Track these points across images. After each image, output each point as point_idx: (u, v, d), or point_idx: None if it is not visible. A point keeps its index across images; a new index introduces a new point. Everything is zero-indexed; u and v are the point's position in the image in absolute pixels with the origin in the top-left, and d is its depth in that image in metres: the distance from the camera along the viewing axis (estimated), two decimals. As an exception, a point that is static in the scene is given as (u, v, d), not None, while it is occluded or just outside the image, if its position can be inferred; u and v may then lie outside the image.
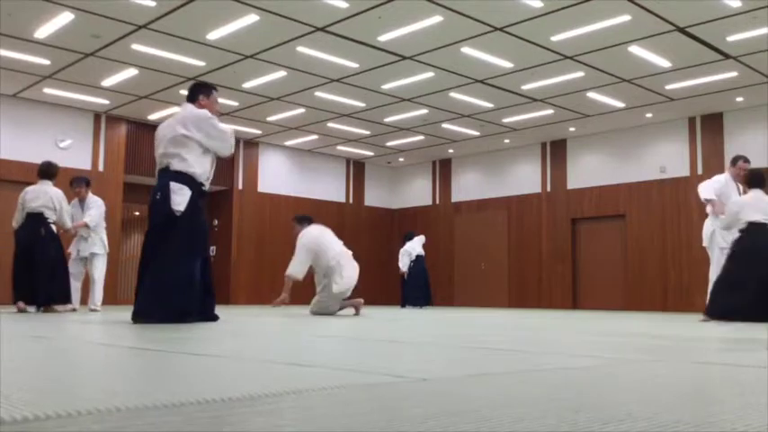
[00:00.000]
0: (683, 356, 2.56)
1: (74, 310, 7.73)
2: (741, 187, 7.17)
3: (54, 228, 7.59)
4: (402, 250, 13.67)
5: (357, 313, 7.38)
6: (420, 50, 9.56)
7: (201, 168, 4.78)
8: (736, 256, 6.70)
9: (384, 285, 15.86)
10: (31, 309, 7.36)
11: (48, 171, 7.77)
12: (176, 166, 4.70)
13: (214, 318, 4.89)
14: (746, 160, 7.36)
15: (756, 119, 11.99)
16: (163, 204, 4.63)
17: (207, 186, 4.88)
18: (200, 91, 5.08)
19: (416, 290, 13.28)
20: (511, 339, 3.49)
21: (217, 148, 4.87)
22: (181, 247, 4.64)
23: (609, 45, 9.21)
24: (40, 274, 7.28)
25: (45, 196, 7.52)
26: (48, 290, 7.37)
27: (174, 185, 4.64)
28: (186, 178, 4.70)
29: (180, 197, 4.63)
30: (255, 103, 12.15)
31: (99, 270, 8.13)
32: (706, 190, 7.18)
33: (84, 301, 8.25)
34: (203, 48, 9.48)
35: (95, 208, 8.10)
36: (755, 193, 6.82)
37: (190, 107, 4.92)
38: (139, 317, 4.48)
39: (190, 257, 4.70)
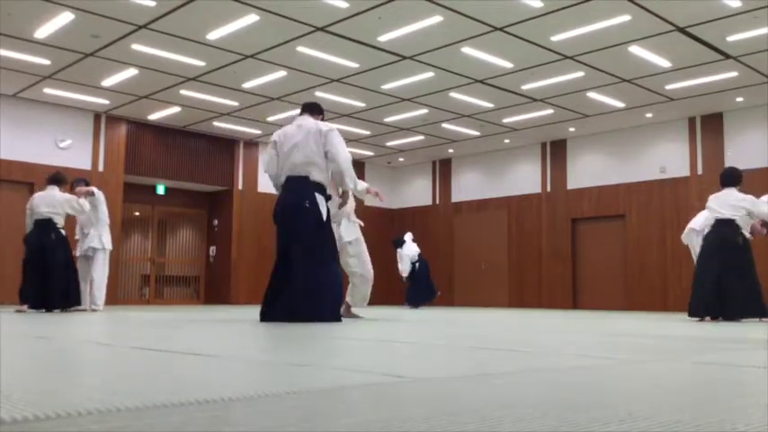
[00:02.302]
0: (683, 356, 2.56)
1: (84, 310, 7.84)
2: None
3: (63, 232, 7.69)
4: (402, 255, 13.60)
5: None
6: (420, 50, 9.56)
7: (327, 183, 5.16)
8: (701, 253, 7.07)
9: (384, 285, 15.81)
10: (32, 311, 7.41)
11: (57, 179, 7.89)
12: (316, 176, 5.03)
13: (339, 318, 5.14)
14: None
15: (756, 119, 11.99)
16: (313, 211, 4.94)
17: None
18: (320, 111, 5.43)
19: (425, 287, 13.46)
20: (511, 339, 3.49)
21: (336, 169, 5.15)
22: (330, 250, 5.04)
23: (609, 45, 9.21)
24: (54, 279, 7.43)
25: (52, 202, 7.65)
26: (62, 294, 7.52)
27: (318, 196, 5.00)
28: (322, 189, 5.06)
29: (323, 207, 5.01)
30: (255, 103, 12.15)
31: (98, 269, 8.16)
32: None
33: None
34: (203, 48, 9.48)
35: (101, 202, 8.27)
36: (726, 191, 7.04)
37: (320, 122, 5.22)
38: (301, 317, 4.67)
39: (335, 260, 5.16)
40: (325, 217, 4.99)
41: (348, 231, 6.18)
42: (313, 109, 5.39)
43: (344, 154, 5.09)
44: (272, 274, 4.98)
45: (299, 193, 4.98)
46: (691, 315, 6.85)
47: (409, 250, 13.62)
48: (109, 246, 8.29)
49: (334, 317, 4.89)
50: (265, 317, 4.82)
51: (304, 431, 0.96)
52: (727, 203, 6.88)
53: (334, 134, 5.08)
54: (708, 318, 6.64)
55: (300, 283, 4.78)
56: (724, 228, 6.82)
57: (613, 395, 1.47)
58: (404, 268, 13.56)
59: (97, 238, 8.17)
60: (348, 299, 6.19)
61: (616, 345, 3.14)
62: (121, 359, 2.25)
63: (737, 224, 6.80)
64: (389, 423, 1.02)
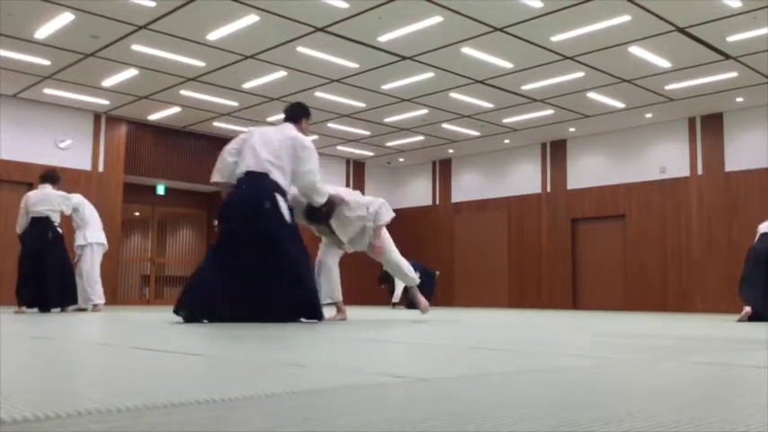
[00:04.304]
0: (683, 356, 2.56)
1: (84, 309, 7.88)
2: None
3: (60, 230, 7.69)
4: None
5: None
6: (420, 50, 9.56)
7: (288, 189, 5.01)
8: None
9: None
10: (33, 310, 7.41)
11: (51, 176, 7.89)
12: (276, 177, 4.85)
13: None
14: None
15: (756, 119, 11.99)
16: (275, 213, 4.77)
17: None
18: (304, 114, 5.30)
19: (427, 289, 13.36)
20: (511, 339, 3.49)
21: (300, 183, 5.06)
22: (300, 250, 4.89)
23: (609, 45, 9.21)
24: (51, 278, 7.41)
25: (48, 199, 7.64)
26: (58, 293, 7.50)
27: (278, 197, 4.81)
28: (282, 191, 4.88)
29: (285, 208, 4.84)
30: (255, 103, 12.15)
31: (86, 264, 8.21)
32: None
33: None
34: (203, 48, 9.48)
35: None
36: None
37: (301, 135, 5.08)
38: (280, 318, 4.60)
39: (307, 259, 5.02)
40: (288, 219, 4.84)
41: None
42: (295, 116, 5.26)
43: (313, 173, 5.02)
44: (221, 270, 4.67)
45: (257, 192, 4.77)
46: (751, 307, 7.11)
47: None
48: (95, 239, 8.29)
49: (315, 316, 4.80)
50: (206, 315, 4.52)
51: (304, 431, 0.96)
52: None
53: (311, 150, 5.02)
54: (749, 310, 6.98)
55: (268, 284, 4.60)
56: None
57: (613, 395, 1.47)
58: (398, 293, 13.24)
59: (81, 237, 8.23)
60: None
61: (616, 345, 3.13)
62: (121, 359, 2.25)
63: None
64: (389, 423, 1.02)
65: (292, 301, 4.71)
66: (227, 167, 5.03)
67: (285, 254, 4.72)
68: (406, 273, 5.97)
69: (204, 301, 4.58)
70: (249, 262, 4.63)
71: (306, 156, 4.95)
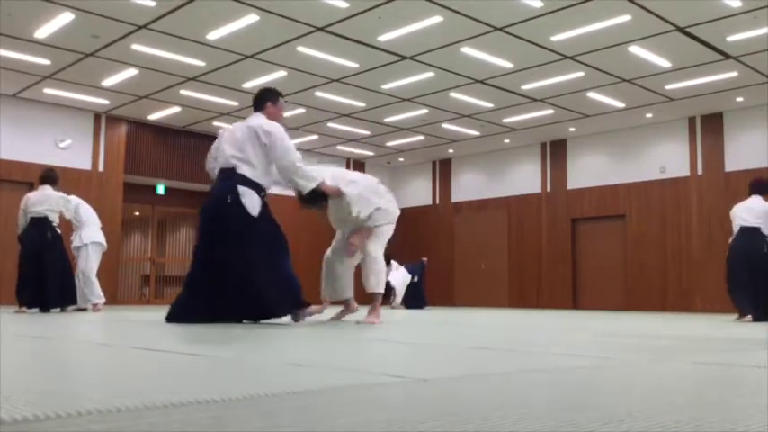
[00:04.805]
0: (683, 356, 2.56)
1: (84, 309, 7.88)
2: None
3: (59, 230, 7.70)
4: (399, 281, 13.12)
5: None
6: (420, 50, 9.56)
7: (266, 179, 4.75)
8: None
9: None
10: (33, 310, 7.41)
11: (50, 177, 7.87)
12: (244, 171, 4.65)
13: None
14: None
15: (756, 119, 11.99)
16: (237, 207, 4.57)
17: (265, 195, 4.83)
18: (268, 98, 4.97)
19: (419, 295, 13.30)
20: (511, 339, 3.49)
21: (280, 170, 4.77)
22: (276, 247, 4.67)
23: (609, 45, 9.21)
24: (51, 278, 7.43)
25: (48, 200, 7.64)
26: (58, 293, 7.53)
27: (241, 189, 4.60)
28: (251, 183, 4.65)
29: (250, 201, 4.60)
30: (255, 103, 12.14)
31: (82, 264, 8.20)
32: None
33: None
34: (203, 48, 9.48)
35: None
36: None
37: (265, 122, 4.78)
38: (268, 315, 4.54)
39: (286, 256, 4.74)
40: (254, 212, 4.59)
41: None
42: (259, 103, 4.96)
43: (288, 154, 4.66)
44: (200, 272, 4.65)
45: (222, 188, 4.68)
46: (743, 315, 7.00)
47: (404, 275, 13.17)
48: (90, 239, 8.27)
49: (293, 306, 4.64)
50: (188, 318, 4.47)
51: (304, 431, 0.96)
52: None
53: (276, 134, 4.67)
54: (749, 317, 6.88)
55: (236, 282, 4.51)
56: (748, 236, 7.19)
57: (613, 395, 1.47)
58: (399, 294, 13.07)
59: (78, 238, 8.24)
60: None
61: (616, 345, 3.13)
62: (121, 359, 2.25)
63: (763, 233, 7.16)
64: (389, 423, 1.02)
65: (248, 300, 4.55)
66: (211, 173, 4.98)
67: (241, 251, 4.57)
68: (375, 275, 5.12)
69: (180, 302, 4.64)
70: (215, 261, 4.59)
71: (271, 141, 4.65)
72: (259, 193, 4.67)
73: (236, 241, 4.57)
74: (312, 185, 4.75)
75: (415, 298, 13.19)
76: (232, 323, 4.41)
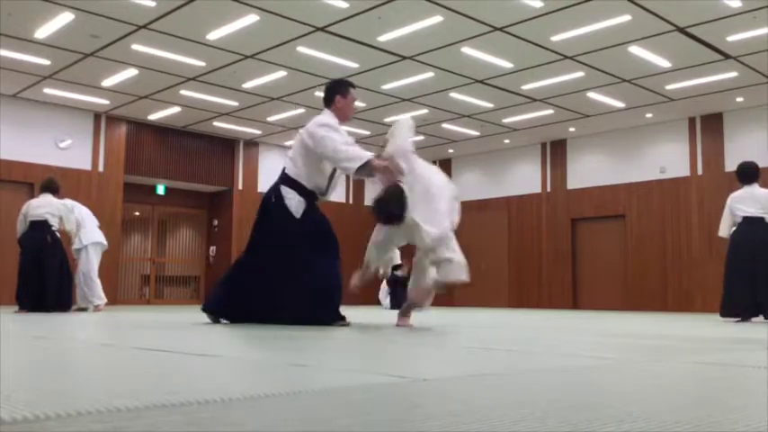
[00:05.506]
0: (683, 356, 2.56)
1: (85, 309, 7.91)
2: None
3: (58, 234, 7.73)
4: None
5: None
6: (420, 50, 9.56)
7: (312, 180, 4.58)
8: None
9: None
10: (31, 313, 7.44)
11: (51, 186, 7.91)
12: (289, 171, 4.61)
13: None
14: None
15: (756, 119, 11.99)
16: (280, 208, 4.54)
17: (325, 197, 4.70)
18: (337, 90, 4.69)
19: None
20: (511, 339, 3.49)
21: (327, 160, 4.54)
22: (320, 249, 4.55)
23: (609, 45, 9.21)
24: (51, 281, 7.46)
25: (49, 206, 7.69)
26: (59, 295, 7.57)
27: (284, 189, 4.56)
28: (293, 184, 4.57)
29: (291, 201, 4.53)
30: (255, 103, 12.15)
31: (82, 265, 8.22)
32: None
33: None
34: (203, 48, 9.48)
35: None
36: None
37: (326, 114, 4.61)
38: (301, 321, 4.37)
39: (332, 258, 4.60)
40: (297, 213, 4.51)
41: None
42: (326, 99, 4.73)
43: (329, 144, 4.36)
44: (246, 271, 4.62)
45: (272, 186, 4.70)
46: (725, 315, 6.72)
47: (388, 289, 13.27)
48: (89, 240, 8.28)
49: (330, 318, 4.46)
50: (230, 317, 4.55)
51: (304, 431, 0.96)
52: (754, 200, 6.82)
53: (314, 133, 4.46)
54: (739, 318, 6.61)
55: (295, 288, 4.46)
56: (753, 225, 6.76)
57: (613, 395, 1.47)
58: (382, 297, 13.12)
59: (78, 240, 8.25)
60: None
61: (616, 345, 3.14)
62: (122, 359, 2.25)
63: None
64: (390, 423, 1.02)
65: (285, 304, 4.50)
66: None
67: (281, 252, 4.53)
68: (420, 294, 4.80)
69: (220, 300, 4.68)
70: (261, 263, 4.60)
71: (314, 143, 4.44)
72: (302, 194, 4.57)
73: (276, 241, 4.57)
74: (354, 165, 4.30)
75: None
76: (263, 324, 4.40)
